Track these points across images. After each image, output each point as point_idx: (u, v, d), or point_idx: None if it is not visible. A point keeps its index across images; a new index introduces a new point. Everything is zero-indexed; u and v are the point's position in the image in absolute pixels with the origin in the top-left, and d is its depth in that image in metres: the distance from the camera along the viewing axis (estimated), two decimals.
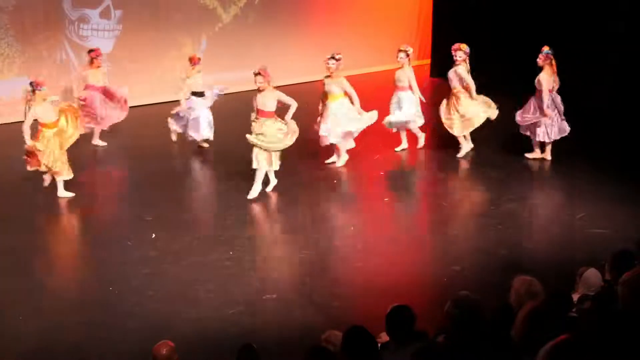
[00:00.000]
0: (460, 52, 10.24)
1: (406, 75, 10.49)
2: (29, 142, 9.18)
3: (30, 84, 9.24)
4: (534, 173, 9.86)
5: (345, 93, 10.02)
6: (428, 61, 15.62)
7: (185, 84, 10.82)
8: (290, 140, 9.17)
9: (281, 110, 9.27)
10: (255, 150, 9.10)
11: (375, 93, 11.59)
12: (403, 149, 10.90)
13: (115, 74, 13.09)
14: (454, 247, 8.05)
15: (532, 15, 13.05)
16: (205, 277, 7.67)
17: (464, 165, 10.31)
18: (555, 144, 10.63)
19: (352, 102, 10.03)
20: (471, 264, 7.66)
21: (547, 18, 12.79)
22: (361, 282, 7.46)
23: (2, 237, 8.49)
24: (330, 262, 7.96)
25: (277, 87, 11.40)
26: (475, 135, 10.61)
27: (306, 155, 10.33)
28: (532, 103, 10.03)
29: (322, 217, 9.02)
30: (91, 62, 11.08)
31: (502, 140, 10.87)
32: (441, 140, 11.23)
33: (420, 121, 10.79)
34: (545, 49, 9.91)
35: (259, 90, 9.17)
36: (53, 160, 9.31)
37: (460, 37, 14.05)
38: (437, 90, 14.55)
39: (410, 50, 10.55)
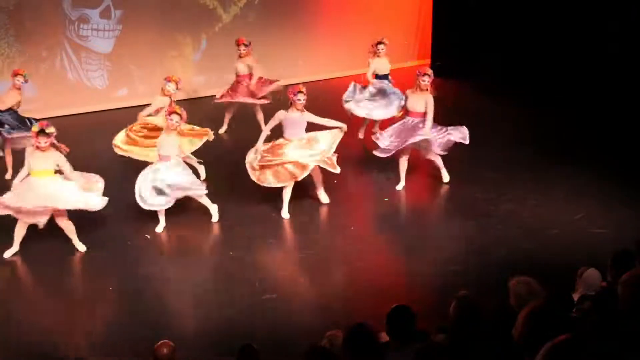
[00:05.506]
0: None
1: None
2: None
3: None
4: (534, 173, 9.85)
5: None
6: (428, 61, 15.61)
7: None
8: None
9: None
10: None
11: None
12: None
13: (115, 74, 13.10)
14: (454, 247, 8.05)
15: (532, 15, 13.04)
16: (205, 277, 7.67)
17: (463, 165, 10.28)
18: (556, 143, 10.64)
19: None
20: (471, 264, 7.67)
21: (547, 18, 12.79)
22: (361, 282, 7.47)
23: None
24: (330, 262, 7.96)
25: None
26: (475, 135, 10.59)
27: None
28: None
29: (321, 218, 9.03)
30: None
31: (501, 140, 10.87)
32: None
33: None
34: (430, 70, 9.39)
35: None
36: None
37: (460, 37, 14.15)
38: (437, 90, 14.56)
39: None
